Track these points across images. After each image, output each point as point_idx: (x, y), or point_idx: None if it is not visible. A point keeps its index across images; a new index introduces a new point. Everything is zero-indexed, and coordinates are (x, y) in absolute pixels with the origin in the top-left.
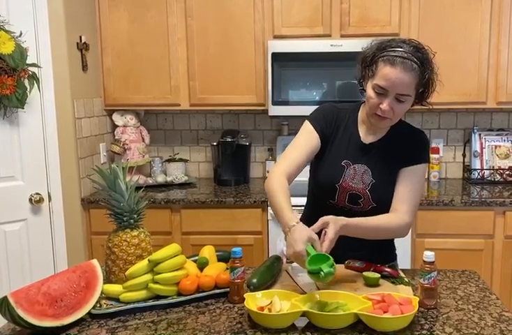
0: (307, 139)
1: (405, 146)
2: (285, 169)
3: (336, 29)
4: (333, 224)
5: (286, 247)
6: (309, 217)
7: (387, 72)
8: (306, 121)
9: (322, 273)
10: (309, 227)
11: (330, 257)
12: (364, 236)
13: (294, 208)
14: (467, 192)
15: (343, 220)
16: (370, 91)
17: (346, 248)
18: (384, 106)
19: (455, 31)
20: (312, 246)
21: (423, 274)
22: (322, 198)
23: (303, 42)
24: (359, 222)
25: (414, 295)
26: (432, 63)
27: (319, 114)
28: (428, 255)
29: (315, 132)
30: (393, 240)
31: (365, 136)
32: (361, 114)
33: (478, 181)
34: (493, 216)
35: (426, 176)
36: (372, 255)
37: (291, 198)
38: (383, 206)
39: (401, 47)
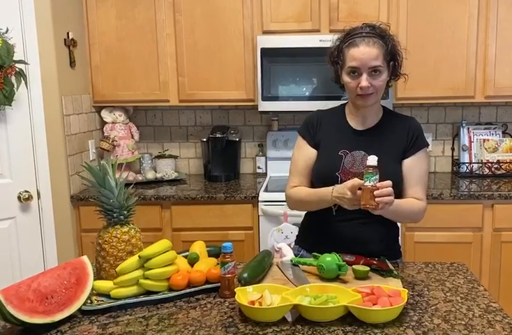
0: (302, 151)
1: (401, 131)
2: (293, 185)
3: (325, 24)
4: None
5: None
6: (315, 214)
7: (353, 53)
8: (297, 134)
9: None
10: (313, 230)
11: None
12: (392, 211)
13: None
14: (456, 185)
15: None
16: (346, 78)
17: (355, 242)
18: (362, 82)
19: (443, 26)
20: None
21: (368, 176)
22: None
23: (292, 37)
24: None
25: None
26: (392, 35)
27: (305, 124)
28: (371, 160)
29: (306, 142)
30: (398, 237)
31: (356, 126)
32: (348, 108)
33: (466, 174)
34: (482, 209)
35: None
36: (380, 250)
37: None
38: None
39: (358, 30)
